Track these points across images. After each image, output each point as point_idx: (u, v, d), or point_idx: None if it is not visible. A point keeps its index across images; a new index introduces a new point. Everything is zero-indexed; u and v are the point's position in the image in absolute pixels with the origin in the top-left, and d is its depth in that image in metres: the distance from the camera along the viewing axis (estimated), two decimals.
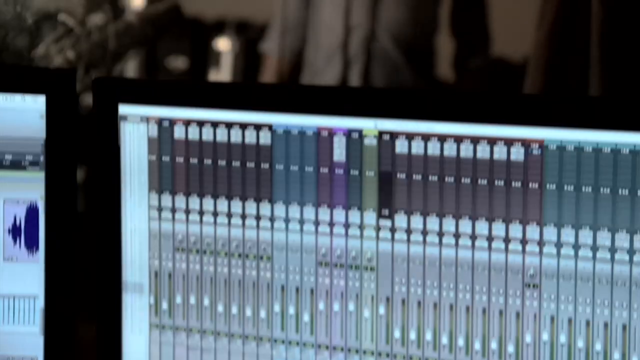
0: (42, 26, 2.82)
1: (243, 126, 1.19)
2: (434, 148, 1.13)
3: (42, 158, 1.18)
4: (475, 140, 1.11)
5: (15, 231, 1.18)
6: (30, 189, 1.18)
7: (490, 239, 1.12)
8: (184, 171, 1.21)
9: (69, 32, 1.79)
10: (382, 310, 1.16)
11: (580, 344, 1.09)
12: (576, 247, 1.08)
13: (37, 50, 1.77)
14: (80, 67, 1.77)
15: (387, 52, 2.66)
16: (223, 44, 3.36)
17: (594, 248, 1.07)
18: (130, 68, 3.35)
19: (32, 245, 1.18)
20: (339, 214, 1.17)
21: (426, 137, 1.13)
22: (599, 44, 1.77)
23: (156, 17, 1.83)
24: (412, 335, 1.15)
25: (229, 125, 1.19)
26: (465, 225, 1.12)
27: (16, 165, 1.18)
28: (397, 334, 1.15)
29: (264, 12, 3.55)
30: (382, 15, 2.65)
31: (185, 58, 3.47)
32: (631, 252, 1.06)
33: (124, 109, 1.21)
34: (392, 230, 1.15)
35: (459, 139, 1.12)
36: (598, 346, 1.08)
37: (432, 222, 1.14)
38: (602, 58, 1.78)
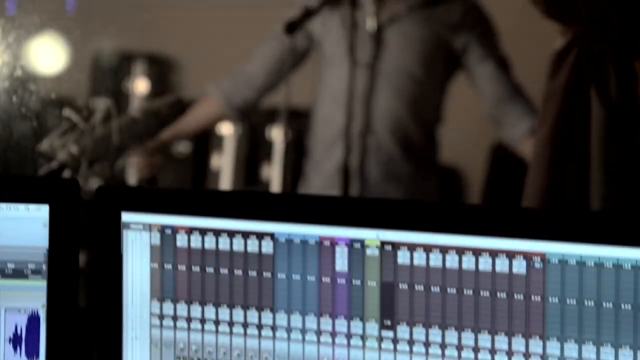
0: (46, 114, 2.85)
1: (245, 235, 1.19)
2: (435, 259, 1.13)
3: (44, 267, 1.18)
4: (477, 253, 1.11)
5: (15, 340, 1.18)
6: (31, 297, 1.18)
7: (492, 351, 1.11)
8: (186, 279, 1.21)
9: (73, 127, 1.80)
10: None
11: None
12: None
13: (42, 144, 1.78)
14: (84, 161, 1.78)
15: (383, 144, 2.68)
16: (226, 129, 3.38)
17: None
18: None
19: (32, 354, 1.18)
20: (341, 324, 1.17)
21: (428, 249, 1.13)
22: (600, 146, 1.78)
23: (159, 111, 1.84)
24: None
25: (231, 234, 1.19)
26: (467, 338, 1.12)
27: (18, 273, 1.18)
28: None
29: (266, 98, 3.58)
30: (378, 108, 2.68)
31: (188, 143, 3.50)
32: None
33: (126, 216, 1.22)
34: (394, 341, 1.15)
35: (460, 251, 1.12)
36: None
37: (434, 334, 1.13)
38: (604, 160, 1.79)
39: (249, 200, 1.20)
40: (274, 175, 3.07)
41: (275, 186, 3.00)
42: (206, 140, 3.48)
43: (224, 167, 3.26)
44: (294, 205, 1.19)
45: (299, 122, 3.50)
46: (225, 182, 3.24)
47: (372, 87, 2.72)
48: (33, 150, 1.86)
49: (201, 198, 1.22)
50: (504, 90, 2.67)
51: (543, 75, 1.81)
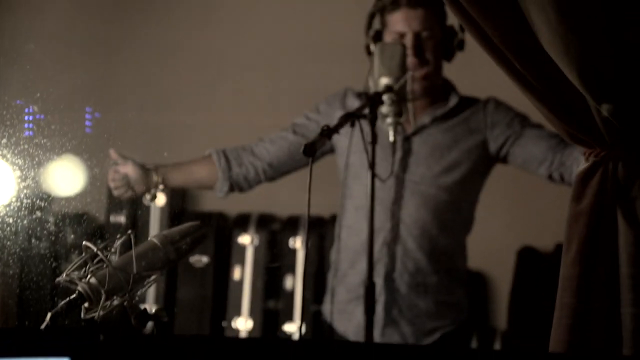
0: (64, 230, 2.84)
1: None
2: None
3: None
4: None
5: None
6: None
7: None
8: None
9: (93, 258, 1.78)
10: None
11: None
12: None
13: (61, 276, 1.76)
14: (103, 292, 1.75)
15: (410, 254, 2.64)
16: (245, 239, 3.37)
17: None
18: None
19: None
20: None
21: None
22: (629, 265, 1.75)
23: (180, 239, 1.81)
24: None
25: None
26: None
27: None
28: None
29: (284, 206, 3.57)
30: (404, 218, 2.65)
31: (208, 256, 3.47)
32: None
33: None
34: None
35: None
36: None
37: None
38: (633, 279, 1.75)
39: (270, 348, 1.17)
40: (297, 286, 3.04)
41: (298, 299, 2.97)
42: (227, 250, 3.46)
43: (245, 277, 3.22)
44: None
45: (320, 230, 3.48)
46: (246, 293, 3.20)
47: (398, 198, 2.70)
48: (52, 278, 1.84)
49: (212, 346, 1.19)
50: (549, 139, 2.66)
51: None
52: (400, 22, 2.68)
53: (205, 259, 3.53)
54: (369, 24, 2.76)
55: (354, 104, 2.73)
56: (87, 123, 2.66)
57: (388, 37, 2.69)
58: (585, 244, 1.75)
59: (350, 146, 2.60)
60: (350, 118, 2.38)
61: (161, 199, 3.39)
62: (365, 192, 2.53)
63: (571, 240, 1.77)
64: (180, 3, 4.25)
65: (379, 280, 2.65)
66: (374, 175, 2.46)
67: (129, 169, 2.65)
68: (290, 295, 3.42)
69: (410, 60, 2.64)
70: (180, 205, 3.65)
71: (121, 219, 3.39)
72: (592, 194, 1.75)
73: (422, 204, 2.68)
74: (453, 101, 2.75)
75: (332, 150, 2.77)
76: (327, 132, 2.25)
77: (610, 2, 1.69)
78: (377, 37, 2.72)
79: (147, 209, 3.45)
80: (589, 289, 1.77)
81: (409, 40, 2.66)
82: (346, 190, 2.73)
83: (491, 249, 3.90)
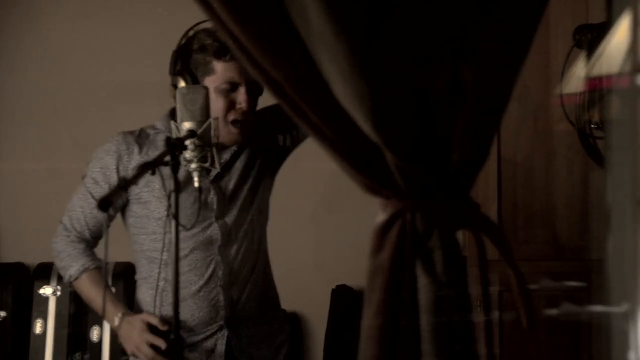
0: None
1: None
2: None
3: None
4: None
5: None
6: None
7: None
8: None
9: None
10: None
11: None
12: None
13: None
14: None
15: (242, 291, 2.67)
16: (47, 290, 3.21)
17: None
18: None
19: None
20: None
21: None
22: (429, 316, 1.74)
23: None
24: None
25: None
26: None
27: None
28: None
29: None
30: (229, 260, 2.67)
31: (5, 310, 3.29)
32: None
33: None
34: None
35: None
36: None
37: None
38: (434, 330, 1.74)
39: None
40: (104, 337, 2.92)
41: (106, 350, 2.85)
42: (27, 302, 3.29)
43: (47, 330, 3.06)
44: None
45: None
46: (49, 347, 3.04)
47: (215, 242, 2.66)
48: None
49: None
50: None
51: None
52: (232, 72, 2.62)
53: (2, 313, 3.35)
54: (178, 66, 2.67)
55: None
56: None
57: (213, 84, 2.62)
58: (386, 296, 1.73)
59: (150, 196, 2.55)
60: (148, 167, 2.29)
61: None
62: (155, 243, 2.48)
63: (372, 291, 1.75)
64: None
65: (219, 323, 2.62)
66: (178, 225, 2.37)
67: None
68: (98, 346, 3.28)
69: (245, 106, 2.60)
70: None
71: None
72: (391, 246, 1.73)
73: (242, 243, 2.68)
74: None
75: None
76: (124, 185, 2.15)
77: (405, 52, 1.68)
78: (194, 80, 2.64)
79: None
80: (390, 340, 1.75)
81: (242, 91, 2.62)
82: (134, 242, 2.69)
83: (305, 289, 3.89)
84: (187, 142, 2.44)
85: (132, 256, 2.71)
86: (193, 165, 2.47)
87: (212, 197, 2.69)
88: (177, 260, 2.31)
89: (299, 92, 1.72)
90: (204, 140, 2.50)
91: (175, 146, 2.40)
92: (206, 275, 2.68)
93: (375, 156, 1.72)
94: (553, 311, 3.42)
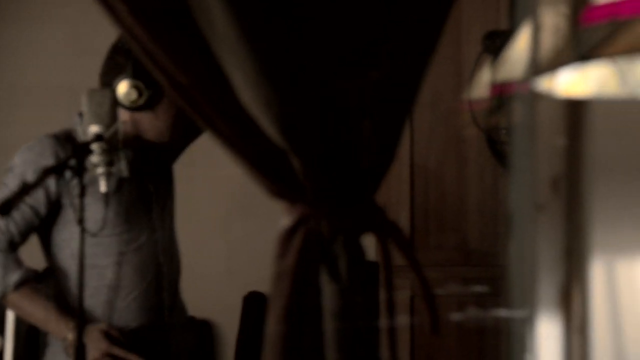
0: None
1: None
2: None
3: None
4: None
5: None
6: None
7: None
8: None
9: None
10: None
11: None
12: None
13: None
14: None
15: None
16: None
17: None
18: None
19: None
20: None
21: None
22: (333, 322, 1.73)
23: None
24: None
25: None
26: None
27: None
28: None
29: None
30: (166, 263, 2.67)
31: None
32: None
33: None
34: None
35: None
36: None
37: None
38: (337, 336, 1.73)
39: None
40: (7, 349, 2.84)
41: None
42: None
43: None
44: None
45: None
46: None
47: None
48: None
49: None
50: None
51: None
52: None
53: None
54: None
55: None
56: None
57: None
58: (290, 302, 1.72)
59: (67, 198, 2.51)
60: (51, 172, 2.24)
61: None
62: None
63: (276, 297, 1.74)
64: None
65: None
66: (83, 231, 2.33)
67: None
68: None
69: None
70: None
71: None
72: (296, 251, 1.72)
73: (171, 247, 2.67)
74: None
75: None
76: (25, 189, 2.11)
77: (311, 57, 1.67)
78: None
79: None
80: (294, 346, 1.75)
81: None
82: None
83: (217, 296, 3.86)
84: (94, 146, 2.40)
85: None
86: (99, 170, 2.43)
87: (136, 201, 2.66)
88: (81, 265, 2.27)
89: (204, 97, 1.70)
90: (112, 145, 2.47)
91: (81, 149, 2.36)
92: (143, 281, 2.64)
93: (280, 160, 1.70)
94: (459, 316, 3.45)
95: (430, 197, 3.85)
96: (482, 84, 2.60)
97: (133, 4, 1.68)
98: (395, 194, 3.78)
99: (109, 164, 2.43)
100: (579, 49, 1.07)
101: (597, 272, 1.55)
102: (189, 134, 2.74)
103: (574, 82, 1.24)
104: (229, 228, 3.94)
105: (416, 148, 3.82)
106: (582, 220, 1.55)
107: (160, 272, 2.66)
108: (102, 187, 2.42)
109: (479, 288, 3.48)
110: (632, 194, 1.51)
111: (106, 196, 2.46)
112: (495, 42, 2.52)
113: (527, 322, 1.62)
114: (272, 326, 1.74)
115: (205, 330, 3.87)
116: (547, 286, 1.61)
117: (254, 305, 3.79)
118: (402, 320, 3.28)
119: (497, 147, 2.89)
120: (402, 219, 3.76)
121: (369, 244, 1.76)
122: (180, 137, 2.72)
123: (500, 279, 3.61)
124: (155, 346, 2.68)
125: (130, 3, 1.68)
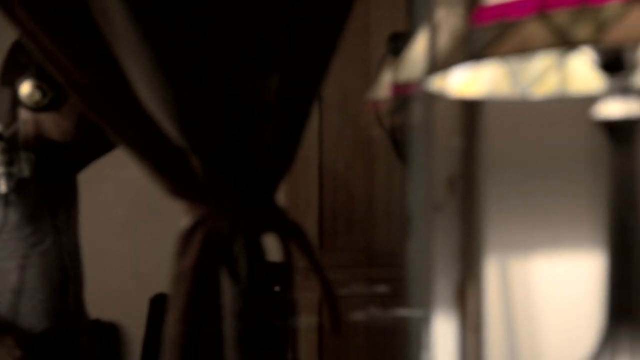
0: None
1: None
2: None
3: None
4: None
5: None
6: None
7: None
8: None
9: None
10: None
11: None
12: None
13: None
14: None
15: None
16: None
17: None
18: None
19: None
20: None
21: None
22: (233, 322, 1.73)
23: None
24: None
25: None
26: None
27: None
28: None
29: None
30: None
31: None
32: None
33: None
34: None
35: None
36: None
37: None
38: (237, 337, 1.73)
39: None
40: None
41: None
42: None
43: None
44: None
45: None
46: None
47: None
48: None
49: None
50: None
51: None
52: None
53: None
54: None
55: None
56: None
57: None
58: (189, 302, 1.71)
59: None
60: None
61: None
62: None
63: (175, 298, 1.72)
64: None
65: None
66: None
67: None
68: None
69: None
70: None
71: None
72: (195, 252, 1.71)
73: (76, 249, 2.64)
74: None
75: None
76: None
77: (211, 57, 1.66)
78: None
79: None
80: (193, 346, 1.74)
81: None
82: None
83: (122, 298, 3.81)
84: None
85: None
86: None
87: (41, 204, 2.62)
88: None
89: (103, 96, 1.69)
90: (12, 144, 2.42)
91: None
92: (48, 284, 2.60)
93: (180, 160, 1.69)
94: (363, 316, 3.48)
95: (338, 199, 3.86)
96: (385, 85, 2.62)
97: (28, 2, 1.65)
98: (303, 195, 3.79)
99: (9, 163, 2.39)
100: (470, 49, 1.08)
101: (492, 271, 1.58)
102: (100, 146, 2.70)
103: (467, 82, 1.25)
104: (135, 229, 3.91)
105: (325, 149, 3.83)
106: (477, 219, 1.57)
107: (65, 275, 2.62)
108: (2, 187, 2.38)
109: (383, 288, 3.51)
110: (526, 194, 1.53)
111: (6, 197, 2.42)
112: (398, 44, 2.54)
113: (424, 321, 1.64)
114: (172, 326, 1.73)
115: (111, 332, 3.82)
116: (444, 285, 1.62)
117: (160, 307, 3.75)
118: (311, 320, 3.29)
119: (401, 148, 2.91)
120: (311, 221, 3.76)
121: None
122: (85, 138, 2.68)
123: (402, 279, 3.65)
124: (61, 350, 2.65)
125: (25, 1, 1.65)
